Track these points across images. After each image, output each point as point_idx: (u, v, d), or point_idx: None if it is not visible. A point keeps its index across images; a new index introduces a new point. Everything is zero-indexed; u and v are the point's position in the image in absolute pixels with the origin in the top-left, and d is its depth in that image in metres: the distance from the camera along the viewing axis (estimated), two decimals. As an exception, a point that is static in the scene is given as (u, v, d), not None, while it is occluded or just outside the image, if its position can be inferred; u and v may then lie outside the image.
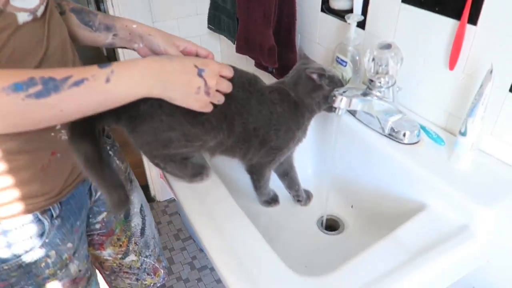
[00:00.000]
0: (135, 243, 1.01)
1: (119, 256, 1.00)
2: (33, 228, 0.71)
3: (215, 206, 0.76)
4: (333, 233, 0.93)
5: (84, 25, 0.80)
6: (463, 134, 0.73)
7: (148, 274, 1.07)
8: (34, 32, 0.62)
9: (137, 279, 1.07)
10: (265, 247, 0.67)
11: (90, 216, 0.89)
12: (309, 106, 0.82)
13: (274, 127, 0.79)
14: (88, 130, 0.68)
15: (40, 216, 0.71)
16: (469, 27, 0.75)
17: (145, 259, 1.05)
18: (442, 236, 0.68)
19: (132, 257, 1.02)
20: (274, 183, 0.95)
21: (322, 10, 1.11)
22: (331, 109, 0.83)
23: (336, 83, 0.82)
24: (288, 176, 0.94)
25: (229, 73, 0.70)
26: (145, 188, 2.12)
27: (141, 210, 1.02)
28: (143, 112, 0.70)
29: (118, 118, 0.71)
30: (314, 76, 0.79)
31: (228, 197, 0.78)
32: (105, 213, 0.92)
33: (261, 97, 0.78)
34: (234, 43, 1.43)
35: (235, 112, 0.75)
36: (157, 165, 0.79)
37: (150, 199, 2.10)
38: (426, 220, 0.72)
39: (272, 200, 0.93)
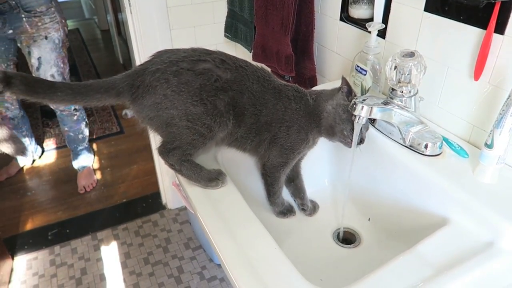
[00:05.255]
0: None
1: None
2: None
3: (230, 213, 0.74)
4: (349, 246, 0.90)
5: None
6: (489, 146, 0.70)
7: None
8: None
9: None
10: (282, 258, 0.65)
11: None
12: (323, 113, 0.82)
13: (286, 123, 0.81)
14: None
15: None
16: (495, 37, 0.73)
17: None
18: (467, 253, 0.64)
19: None
20: (288, 195, 0.95)
21: (341, 19, 1.10)
22: (344, 136, 0.81)
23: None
24: (293, 183, 0.93)
25: None
26: (157, 195, 2.11)
27: None
28: (148, 84, 0.73)
29: (118, 93, 0.75)
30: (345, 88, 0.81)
31: (244, 205, 0.75)
32: None
33: (277, 93, 0.81)
34: (250, 51, 1.42)
35: (247, 102, 0.77)
36: (171, 166, 0.79)
37: (161, 206, 2.08)
38: (449, 235, 0.68)
39: (288, 211, 0.91)
